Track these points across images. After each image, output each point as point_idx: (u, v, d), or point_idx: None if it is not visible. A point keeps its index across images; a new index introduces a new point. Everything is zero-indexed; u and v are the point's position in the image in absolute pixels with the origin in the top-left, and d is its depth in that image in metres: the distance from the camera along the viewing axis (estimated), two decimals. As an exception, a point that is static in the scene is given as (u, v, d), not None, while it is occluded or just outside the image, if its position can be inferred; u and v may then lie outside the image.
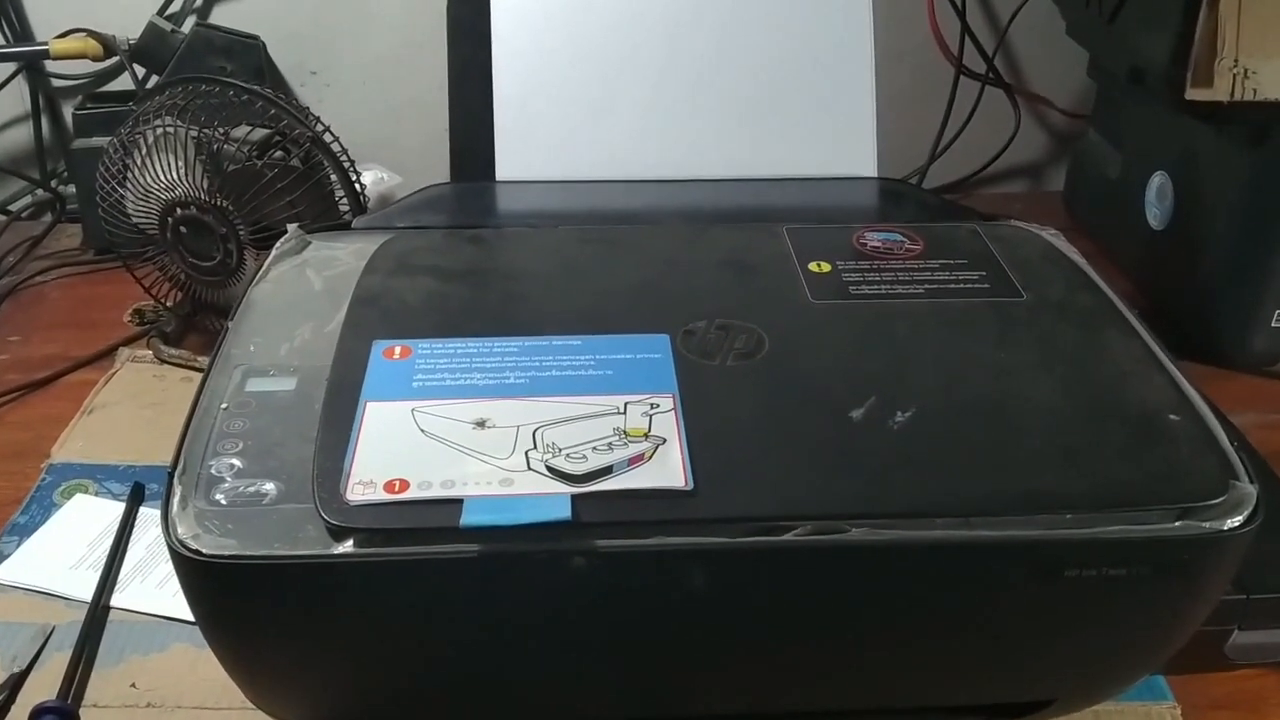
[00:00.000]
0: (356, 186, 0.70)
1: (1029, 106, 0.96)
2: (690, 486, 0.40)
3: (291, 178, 0.66)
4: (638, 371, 0.46)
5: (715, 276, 0.53)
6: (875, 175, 0.65)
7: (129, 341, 0.76)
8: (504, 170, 0.65)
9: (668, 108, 0.66)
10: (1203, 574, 0.41)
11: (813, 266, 0.53)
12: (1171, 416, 0.44)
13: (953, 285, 0.52)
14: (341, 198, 0.69)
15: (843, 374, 0.46)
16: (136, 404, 0.70)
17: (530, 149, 0.65)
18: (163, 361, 0.73)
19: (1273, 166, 0.67)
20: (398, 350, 0.47)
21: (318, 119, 0.71)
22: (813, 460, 0.41)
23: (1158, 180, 0.77)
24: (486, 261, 0.55)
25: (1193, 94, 0.62)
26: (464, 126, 0.65)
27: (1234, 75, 0.60)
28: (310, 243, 0.56)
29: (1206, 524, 0.40)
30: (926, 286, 0.52)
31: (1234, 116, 0.63)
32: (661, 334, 0.47)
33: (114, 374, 0.73)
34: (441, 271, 0.52)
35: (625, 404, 0.44)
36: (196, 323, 0.75)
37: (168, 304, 0.74)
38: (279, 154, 0.69)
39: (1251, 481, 0.40)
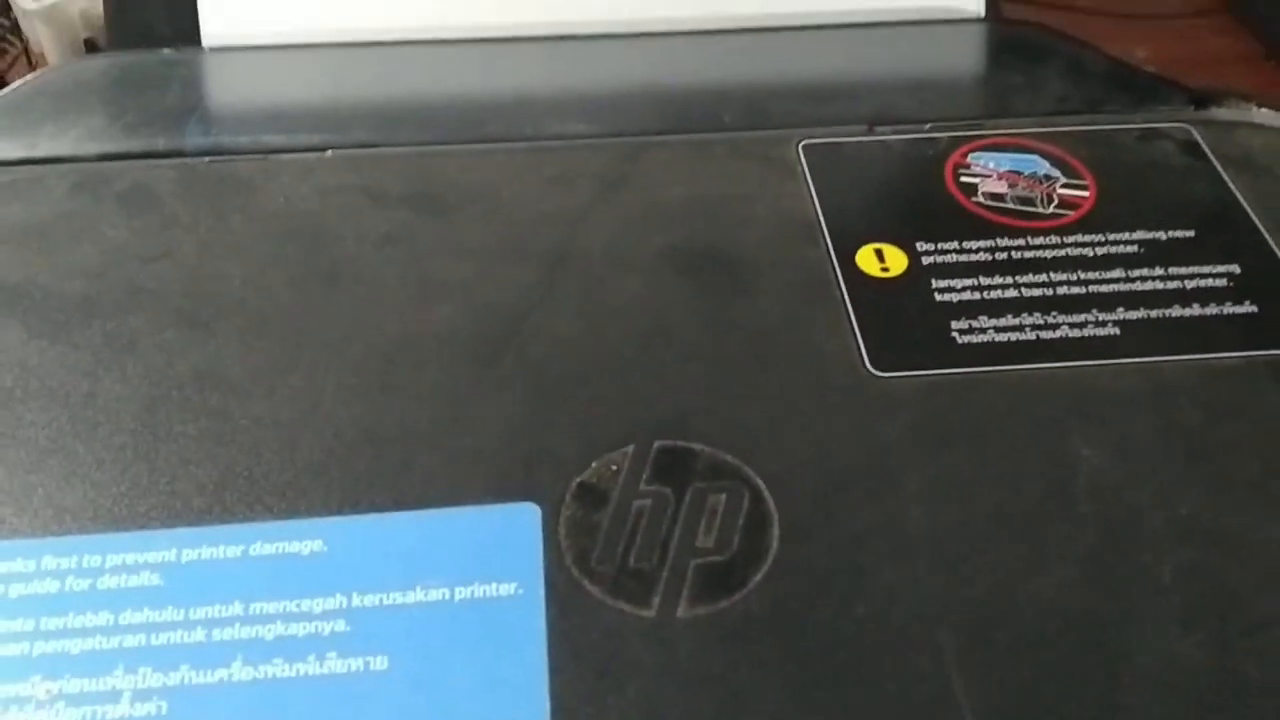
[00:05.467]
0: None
1: None
2: None
3: None
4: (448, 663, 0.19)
5: (648, 294, 0.24)
6: (980, 13, 0.33)
7: None
8: (212, 26, 0.31)
9: None
10: None
11: (863, 260, 0.24)
12: None
13: (1177, 314, 0.23)
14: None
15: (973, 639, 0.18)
16: None
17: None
18: None
19: None
20: None
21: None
22: None
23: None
24: (145, 256, 0.24)
25: None
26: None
27: None
28: None
29: None
30: (1123, 315, 0.23)
31: None
32: (524, 503, 0.20)
33: None
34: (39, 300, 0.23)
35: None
36: None
37: None
38: None
39: None
